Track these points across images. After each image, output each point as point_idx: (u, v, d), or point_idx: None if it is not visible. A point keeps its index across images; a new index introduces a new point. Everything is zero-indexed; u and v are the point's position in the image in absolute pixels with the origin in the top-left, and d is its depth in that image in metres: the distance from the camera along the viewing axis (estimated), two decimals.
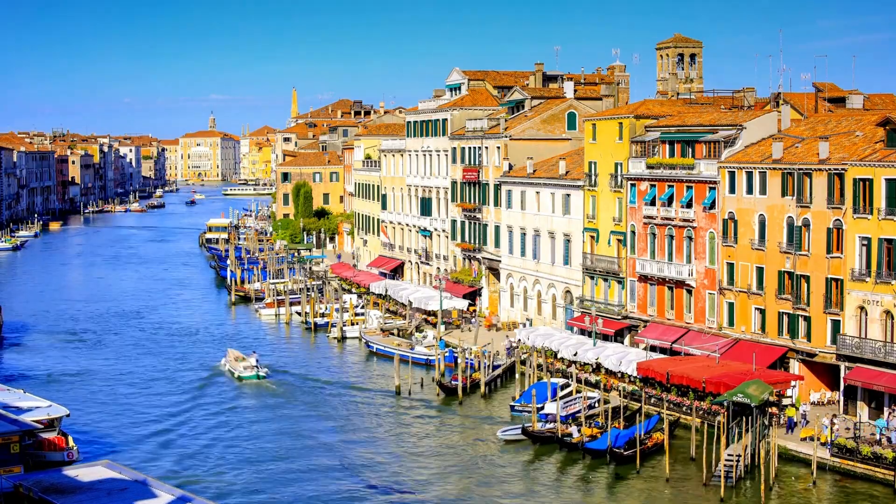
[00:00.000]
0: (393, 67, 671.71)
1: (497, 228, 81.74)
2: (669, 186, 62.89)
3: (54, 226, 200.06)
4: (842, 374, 52.74)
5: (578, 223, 71.23)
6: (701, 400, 53.67)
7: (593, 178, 69.55)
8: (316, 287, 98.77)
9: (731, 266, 59.04)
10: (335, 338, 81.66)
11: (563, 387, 59.33)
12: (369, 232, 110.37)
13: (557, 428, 52.69)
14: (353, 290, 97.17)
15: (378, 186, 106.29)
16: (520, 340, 69.00)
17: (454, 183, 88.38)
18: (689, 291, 61.80)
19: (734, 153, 59.83)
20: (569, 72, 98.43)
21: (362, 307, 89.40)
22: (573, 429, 52.65)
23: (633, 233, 66.15)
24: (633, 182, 65.84)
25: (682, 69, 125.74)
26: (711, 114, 65.98)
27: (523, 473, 49.74)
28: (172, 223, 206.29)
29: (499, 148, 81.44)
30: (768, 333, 56.71)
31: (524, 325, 75.10)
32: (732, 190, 58.98)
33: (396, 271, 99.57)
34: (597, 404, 56.88)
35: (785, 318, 55.83)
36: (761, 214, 57.18)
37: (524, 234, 77.69)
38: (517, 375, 65.74)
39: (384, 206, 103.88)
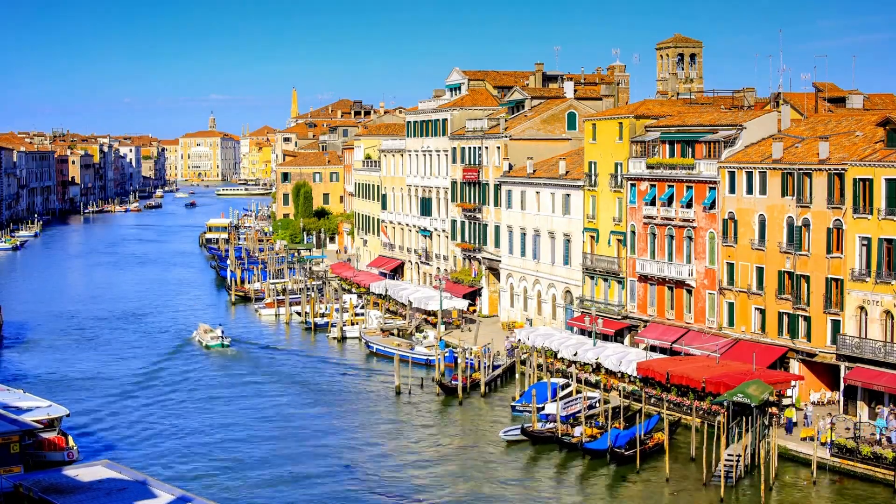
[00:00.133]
0: (393, 67, 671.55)
1: (497, 228, 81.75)
2: (669, 186, 62.89)
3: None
4: (842, 375, 52.74)
5: (578, 223, 71.23)
6: (701, 400, 53.65)
7: (593, 178, 69.55)
8: (316, 287, 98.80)
9: (731, 266, 59.04)
10: (335, 338, 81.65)
11: (564, 387, 59.32)
12: (369, 232, 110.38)
13: (557, 428, 52.70)
14: (353, 290, 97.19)
15: (378, 186, 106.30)
16: (520, 340, 68.99)
17: (454, 183, 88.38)
18: (689, 291, 61.79)
19: (734, 153, 59.83)
20: (569, 72, 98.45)
21: (362, 307, 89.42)
22: (575, 429, 52.64)
23: (633, 233, 66.14)
24: (633, 182, 65.84)
25: (682, 69, 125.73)
26: (711, 114, 65.98)
27: (523, 473, 49.73)
28: (172, 223, 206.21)
29: (499, 148, 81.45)
30: (768, 333, 56.70)
31: (526, 324, 75.13)
32: (732, 190, 58.97)
33: (396, 271, 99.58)
34: (597, 404, 56.87)
35: (785, 318, 55.82)
36: (761, 214, 57.17)
37: (524, 234, 77.69)
38: (517, 375, 65.74)
39: (384, 206, 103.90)
